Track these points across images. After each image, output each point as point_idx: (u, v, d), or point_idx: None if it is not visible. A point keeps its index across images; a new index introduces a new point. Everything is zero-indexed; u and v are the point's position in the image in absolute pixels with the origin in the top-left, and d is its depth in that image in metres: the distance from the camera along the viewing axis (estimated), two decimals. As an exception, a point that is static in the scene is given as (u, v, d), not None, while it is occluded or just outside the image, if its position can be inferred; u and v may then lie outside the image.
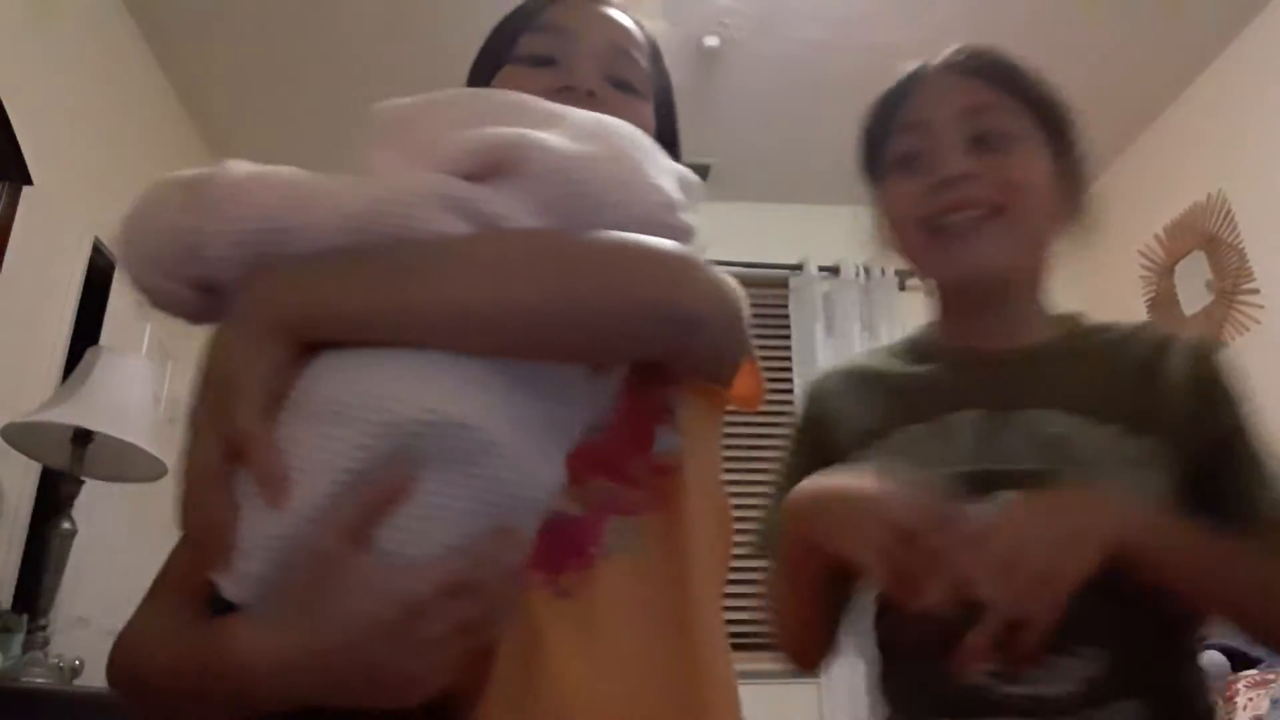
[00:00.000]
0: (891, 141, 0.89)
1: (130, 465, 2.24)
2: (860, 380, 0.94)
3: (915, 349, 0.94)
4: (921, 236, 0.87)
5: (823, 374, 1.00)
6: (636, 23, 0.84)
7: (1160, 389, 0.82)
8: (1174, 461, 0.79)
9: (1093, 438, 0.80)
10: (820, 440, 0.91)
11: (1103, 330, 0.90)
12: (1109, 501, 0.73)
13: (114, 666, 0.62)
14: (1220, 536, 0.75)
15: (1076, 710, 0.73)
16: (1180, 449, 0.79)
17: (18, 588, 2.22)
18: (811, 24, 2.89)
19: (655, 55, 0.86)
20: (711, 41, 2.95)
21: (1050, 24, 2.86)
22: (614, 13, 0.83)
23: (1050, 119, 0.88)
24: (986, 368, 0.87)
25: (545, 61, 0.79)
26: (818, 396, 0.96)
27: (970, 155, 0.85)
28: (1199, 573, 0.74)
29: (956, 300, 0.92)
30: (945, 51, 0.92)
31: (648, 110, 0.80)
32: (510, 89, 0.71)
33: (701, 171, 3.60)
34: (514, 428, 0.51)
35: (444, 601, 0.48)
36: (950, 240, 0.85)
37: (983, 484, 0.77)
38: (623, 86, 0.78)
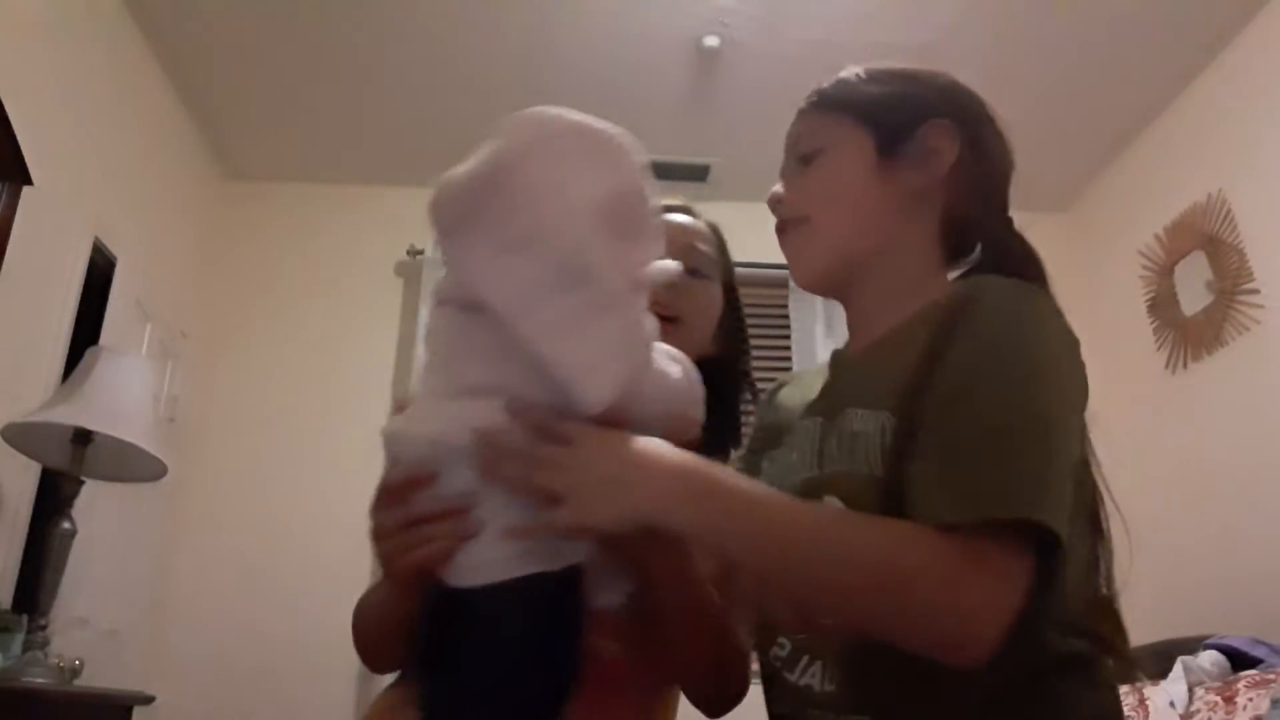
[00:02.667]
0: None
1: (130, 465, 2.24)
2: (789, 387, 1.02)
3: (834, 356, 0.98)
4: None
5: (778, 381, 1.06)
6: (702, 223, 1.12)
7: (921, 358, 0.77)
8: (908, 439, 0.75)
9: (872, 428, 0.78)
10: (755, 446, 0.99)
11: (927, 308, 0.83)
12: (654, 473, 0.70)
13: (353, 624, 0.90)
14: (794, 513, 0.72)
15: (832, 710, 0.77)
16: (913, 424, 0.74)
17: (18, 588, 2.22)
18: (811, 24, 2.88)
19: (720, 242, 1.13)
20: (711, 41, 2.95)
21: (1049, 24, 2.86)
22: (685, 219, 1.10)
23: (867, 117, 0.89)
24: (838, 371, 0.93)
25: None
26: (765, 402, 1.04)
27: (791, 179, 0.93)
28: (760, 553, 0.71)
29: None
30: None
31: (715, 288, 1.08)
32: None
33: (701, 171, 3.61)
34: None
35: None
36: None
37: (814, 491, 0.79)
38: (694, 273, 1.03)
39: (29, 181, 2.03)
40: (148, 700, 2.23)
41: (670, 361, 0.77)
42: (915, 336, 0.79)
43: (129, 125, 2.88)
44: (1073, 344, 0.77)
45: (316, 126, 3.38)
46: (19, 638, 2.01)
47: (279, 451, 3.29)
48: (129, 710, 2.17)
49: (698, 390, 0.80)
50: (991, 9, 2.82)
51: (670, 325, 0.96)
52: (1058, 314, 0.78)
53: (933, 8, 2.82)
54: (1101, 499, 0.82)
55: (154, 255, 3.02)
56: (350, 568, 3.17)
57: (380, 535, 0.74)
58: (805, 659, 0.80)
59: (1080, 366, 0.77)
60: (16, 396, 2.20)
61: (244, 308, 3.47)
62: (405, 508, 0.72)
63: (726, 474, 0.73)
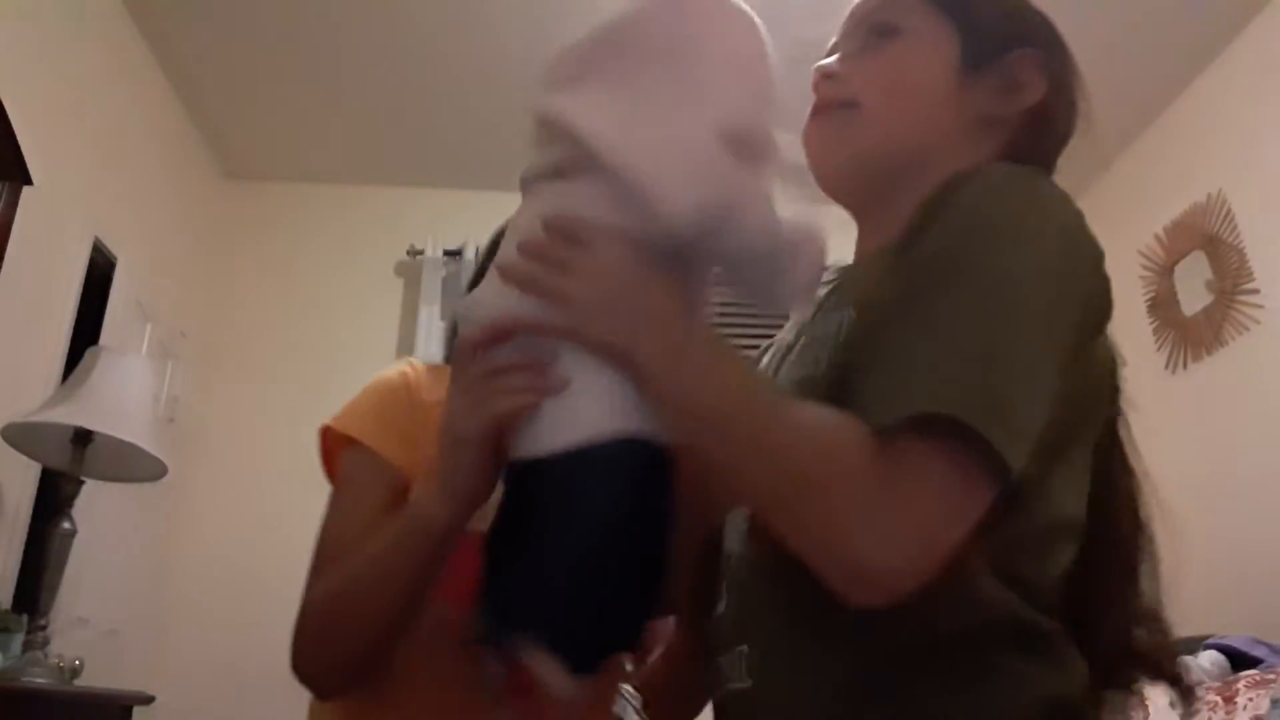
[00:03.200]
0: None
1: (130, 465, 2.24)
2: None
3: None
4: None
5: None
6: None
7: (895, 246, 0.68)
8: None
9: (831, 328, 0.69)
10: None
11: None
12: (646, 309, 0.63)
13: (303, 634, 0.83)
14: (770, 399, 0.62)
15: (723, 644, 0.70)
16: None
17: (18, 588, 2.22)
18: (813, 24, 2.88)
19: None
20: (711, 41, 2.95)
21: (1050, 24, 2.86)
22: None
23: (959, 13, 0.79)
24: (836, 279, 0.82)
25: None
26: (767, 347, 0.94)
27: (850, 56, 0.81)
28: (710, 429, 0.60)
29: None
30: None
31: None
32: None
33: (701, 171, 3.61)
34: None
35: None
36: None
37: None
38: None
39: (29, 181, 2.03)
40: (148, 700, 2.23)
41: (798, 220, 0.69)
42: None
43: (129, 125, 2.88)
44: (1079, 250, 0.66)
45: (316, 126, 3.38)
46: (19, 638, 2.01)
47: (279, 451, 3.29)
48: (129, 710, 2.17)
49: (814, 257, 0.69)
50: (991, 9, 2.82)
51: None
52: (1071, 215, 0.66)
53: (933, 8, 2.82)
54: (1139, 485, 0.73)
55: (154, 255, 3.02)
56: (350, 568, 3.18)
57: (454, 393, 0.67)
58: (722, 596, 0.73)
59: (1090, 279, 0.67)
60: (16, 396, 2.20)
61: (244, 308, 3.47)
62: (485, 360, 0.66)
63: (726, 350, 0.64)
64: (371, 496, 0.86)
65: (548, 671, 0.59)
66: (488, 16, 2.85)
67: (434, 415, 0.80)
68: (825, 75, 0.81)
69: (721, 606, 0.72)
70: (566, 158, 0.66)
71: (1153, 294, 3.16)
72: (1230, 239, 2.84)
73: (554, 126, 0.67)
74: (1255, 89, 2.83)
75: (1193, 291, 2.98)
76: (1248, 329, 2.73)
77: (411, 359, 0.99)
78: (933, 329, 0.59)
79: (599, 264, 0.63)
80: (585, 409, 0.63)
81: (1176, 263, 3.07)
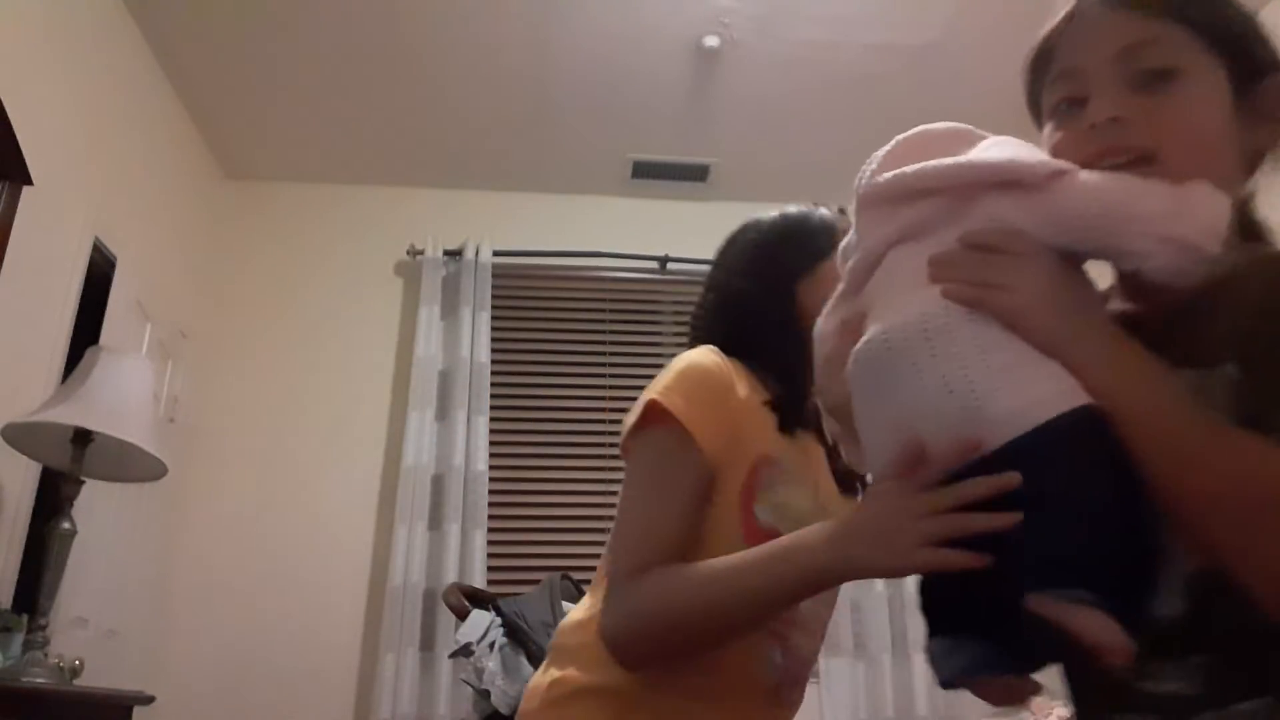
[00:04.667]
0: (1049, 91, 0.81)
1: (130, 465, 2.24)
2: None
3: None
4: None
5: None
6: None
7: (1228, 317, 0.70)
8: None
9: (1211, 384, 0.70)
10: None
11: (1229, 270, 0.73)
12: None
13: (629, 627, 0.86)
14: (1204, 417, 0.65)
15: (1201, 709, 0.68)
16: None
17: (18, 588, 2.22)
18: (811, 24, 2.88)
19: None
20: (711, 41, 2.95)
21: (1049, 19, 2.85)
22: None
23: (1229, 44, 0.75)
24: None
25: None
26: None
27: (1127, 97, 0.74)
28: (1158, 439, 0.64)
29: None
30: None
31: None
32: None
33: (701, 171, 3.60)
34: None
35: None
36: None
37: None
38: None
39: (29, 181, 2.03)
40: (148, 700, 2.23)
41: (1139, 185, 0.68)
42: (1221, 294, 0.69)
43: (129, 125, 2.88)
44: None
45: (316, 126, 3.38)
46: (19, 638, 2.01)
47: (279, 451, 3.29)
48: (129, 710, 2.17)
49: (1152, 212, 0.66)
50: (989, 10, 2.82)
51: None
52: None
53: (932, 6, 2.82)
54: None
55: (154, 255, 3.02)
56: (350, 566, 3.18)
57: (897, 494, 0.71)
58: (1158, 661, 0.71)
59: None
60: (16, 396, 2.20)
61: (244, 308, 3.47)
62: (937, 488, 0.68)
63: (1152, 358, 0.67)
64: (689, 486, 0.90)
65: (1104, 628, 0.61)
66: (488, 18, 2.85)
67: (742, 411, 0.95)
68: (1111, 120, 0.73)
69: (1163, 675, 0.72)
70: (917, 221, 0.73)
71: (1153, 294, 3.16)
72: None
73: (922, 184, 0.73)
74: (1255, 89, 2.82)
75: (1193, 291, 2.98)
76: (1248, 329, 2.72)
77: (711, 347, 1.01)
78: None
79: (1031, 266, 0.67)
80: (1047, 387, 0.65)
81: (1176, 263, 3.07)
